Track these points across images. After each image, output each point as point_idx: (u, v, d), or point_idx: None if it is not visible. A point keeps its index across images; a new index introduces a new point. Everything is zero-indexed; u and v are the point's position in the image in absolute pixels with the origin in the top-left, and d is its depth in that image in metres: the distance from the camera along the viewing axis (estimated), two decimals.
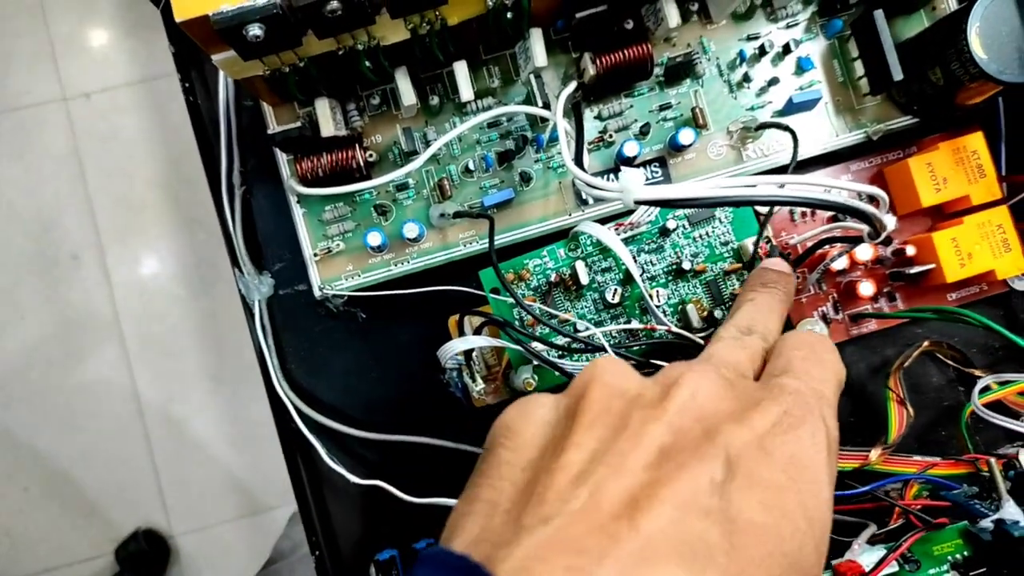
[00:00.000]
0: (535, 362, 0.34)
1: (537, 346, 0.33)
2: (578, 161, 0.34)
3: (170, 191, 1.10)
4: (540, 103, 0.36)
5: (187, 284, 1.11)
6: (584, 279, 0.34)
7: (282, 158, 0.38)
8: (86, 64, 1.13)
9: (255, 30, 0.28)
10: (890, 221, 0.29)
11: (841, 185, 0.30)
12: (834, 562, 0.31)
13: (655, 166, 0.38)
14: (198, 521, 1.12)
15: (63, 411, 1.09)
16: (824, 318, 0.39)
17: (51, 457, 1.09)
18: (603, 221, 0.36)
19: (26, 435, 1.09)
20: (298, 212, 0.38)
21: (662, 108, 0.38)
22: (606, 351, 0.31)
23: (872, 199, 0.29)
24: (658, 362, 0.32)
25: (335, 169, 0.36)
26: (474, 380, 0.36)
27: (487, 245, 0.38)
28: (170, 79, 1.09)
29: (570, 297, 0.36)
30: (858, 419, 0.39)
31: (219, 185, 0.39)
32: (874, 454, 0.33)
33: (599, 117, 0.38)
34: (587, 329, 0.33)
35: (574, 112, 0.36)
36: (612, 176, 0.38)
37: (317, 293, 0.38)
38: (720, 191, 0.26)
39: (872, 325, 0.39)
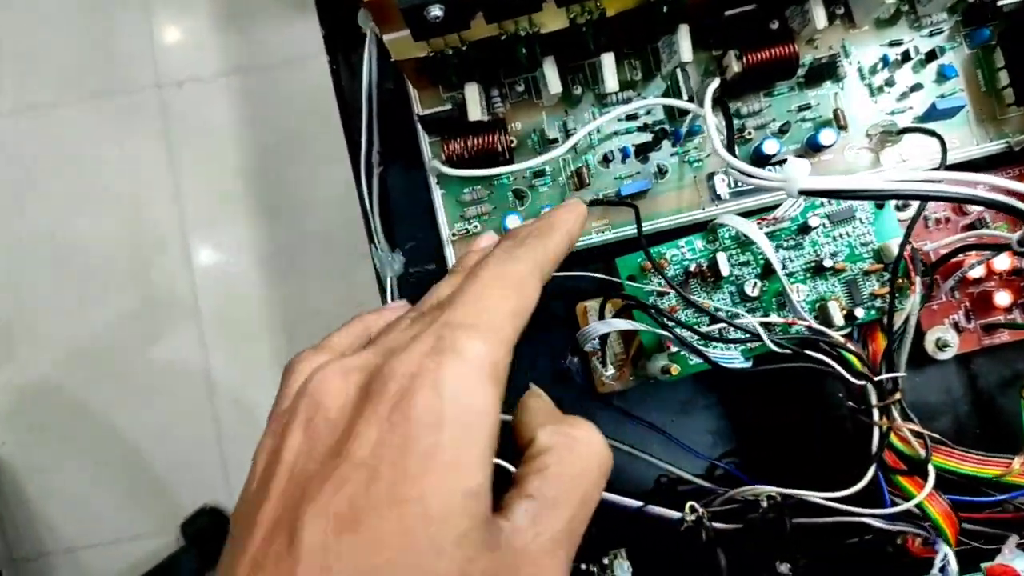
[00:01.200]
0: (673, 349, 0.35)
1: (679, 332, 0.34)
2: (730, 152, 0.34)
3: (255, 182, 1.13)
4: (685, 97, 0.37)
5: (265, 273, 1.14)
6: (725, 271, 0.35)
7: (424, 139, 0.39)
8: (180, 53, 1.17)
9: (436, 11, 0.30)
10: None
11: (1003, 184, 0.29)
12: (985, 565, 0.30)
13: None
14: None
15: (139, 389, 1.13)
16: (956, 326, 0.38)
17: (126, 432, 1.13)
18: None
19: (104, 410, 1.12)
20: (438, 193, 0.39)
21: (801, 108, 0.39)
22: (762, 339, 0.32)
23: None
24: (813, 353, 0.32)
25: (480, 152, 0.37)
26: (605, 365, 0.37)
27: (617, 234, 0.39)
28: (260, 71, 1.13)
29: (707, 288, 0.36)
30: (986, 431, 0.39)
31: (359, 164, 0.41)
32: (1017, 462, 0.33)
33: (737, 115, 0.39)
34: (739, 317, 0.34)
35: (720, 106, 0.36)
36: None
37: None
38: (889, 184, 0.26)
39: (1004, 336, 0.38)
